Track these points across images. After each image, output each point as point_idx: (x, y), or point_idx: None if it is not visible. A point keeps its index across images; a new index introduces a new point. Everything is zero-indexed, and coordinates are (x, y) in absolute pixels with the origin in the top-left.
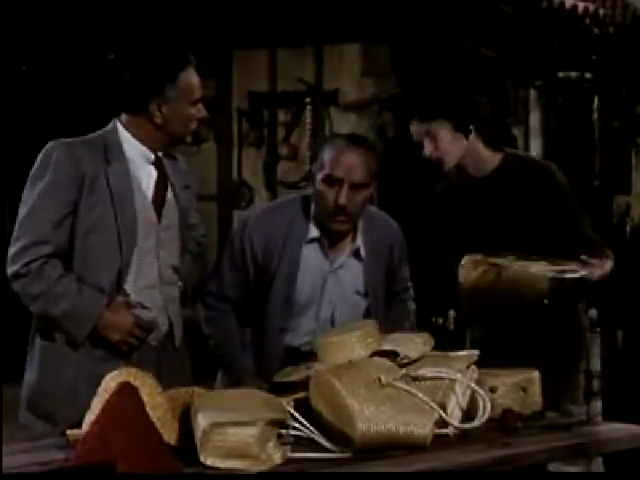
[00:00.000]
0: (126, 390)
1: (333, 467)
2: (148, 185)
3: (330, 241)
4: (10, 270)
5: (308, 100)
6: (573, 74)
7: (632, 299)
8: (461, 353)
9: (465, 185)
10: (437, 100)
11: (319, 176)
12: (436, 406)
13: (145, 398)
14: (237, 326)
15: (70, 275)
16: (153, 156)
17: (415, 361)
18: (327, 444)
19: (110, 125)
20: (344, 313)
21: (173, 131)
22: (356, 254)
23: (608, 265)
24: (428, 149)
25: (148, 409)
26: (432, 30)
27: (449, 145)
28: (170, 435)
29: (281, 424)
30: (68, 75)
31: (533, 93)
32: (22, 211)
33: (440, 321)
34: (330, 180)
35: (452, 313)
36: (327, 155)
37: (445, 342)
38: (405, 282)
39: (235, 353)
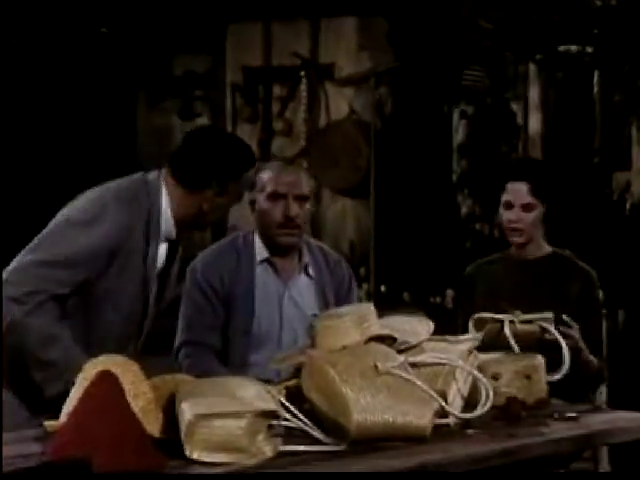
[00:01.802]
0: (106, 379)
1: (327, 460)
2: (161, 262)
3: (280, 257)
4: (10, 293)
5: (303, 74)
6: (573, 48)
7: (633, 277)
8: (462, 338)
9: (514, 261)
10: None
11: (261, 196)
12: (436, 395)
13: (127, 387)
14: (220, 365)
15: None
16: (175, 235)
17: (414, 347)
18: (320, 436)
19: (153, 182)
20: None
21: (206, 220)
22: (306, 271)
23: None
24: (515, 215)
25: (130, 398)
26: (429, 2)
27: (534, 225)
28: (153, 426)
29: (272, 415)
30: (59, 49)
31: (532, 68)
32: (51, 246)
33: (438, 300)
34: (275, 196)
35: (450, 292)
36: (266, 175)
37: (443, 321)
38: None
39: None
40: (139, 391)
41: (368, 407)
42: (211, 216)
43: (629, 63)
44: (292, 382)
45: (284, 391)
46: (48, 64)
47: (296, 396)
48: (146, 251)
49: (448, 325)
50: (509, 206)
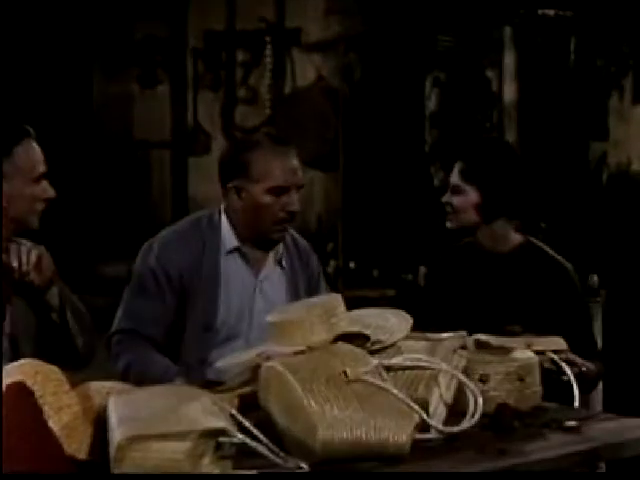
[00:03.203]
0: (19, 391)
1: None
2: None
3: (252, 246)
4: None
5: (268, 39)
6: (551, 12)
7: (610, 250)
8: (445, 335)
9: (478, 256)
10: (476, 168)
11: (258, 188)
12: (417, 406)
13: (48, 399)
14: (159, 354)
15: None
16: None
17: (389, 346)
18: (279, 460)
19: None
20: None
21: (15, 214)
22: (279, 261)
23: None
24: (448, 199)
25: (52, 413)
26: None
27: (464, 211)
28: (80, 446)
29: (221, 432)
30: (11, 14)
31: (508, 34)
32: None
33: (410, 277)
34: (279, 190)
35: (422, 269)
36: (262, 164)
37: (416, 300)
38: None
39: (162, 363)
40: (63, 404)
41: (336, 422)
42: (15, 211)
43: (612, 26)
44: (247, 389)
45: (237, 400)
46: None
47: (252, 406)
48: None
49: (421, 305)
50: (448, 187)
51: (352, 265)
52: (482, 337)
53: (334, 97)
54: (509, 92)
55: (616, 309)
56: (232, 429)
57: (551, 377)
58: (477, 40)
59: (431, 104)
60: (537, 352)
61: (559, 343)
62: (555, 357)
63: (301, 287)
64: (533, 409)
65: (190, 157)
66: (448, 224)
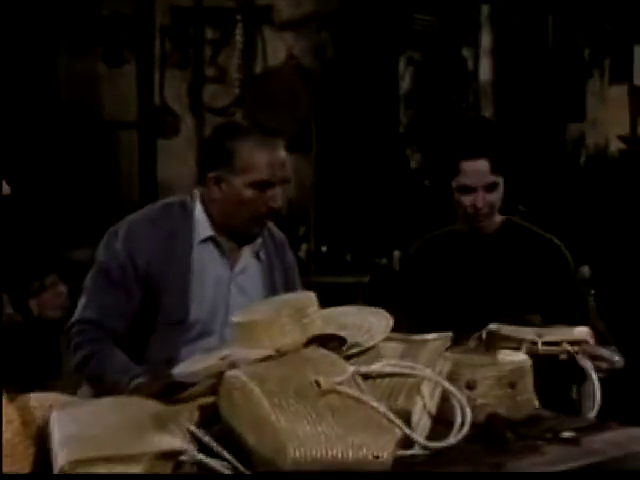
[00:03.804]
0: None
1: None
2: None
3: (228, 236)
4: None
5: (238, 17)
6: None
7: (590, 234)
8: (429, 337)
9: (461, 239)
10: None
11: (240, 180)
12: (398, 420)
13: None
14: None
15: None
16: None
17: (367, 349)
18: None
19: None
20: None
21: None
22: (257, 255)
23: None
24: (486, 199)
25: None
26: None
27: (497, 204)
28: (23, 464)
29: (178, 453)
30: None
31: (485, 12)
32: None
33: (384, 261)
34: (264, 185)
35: (397, 253)
36: (248, 156)
37: (389, 284)
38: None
39: (124, 360)
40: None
41: (308, 439)
42: None
43: (593, 7)
44: (210, 399)
45: (197, 413)
46: None
47: (215, 418)
48: None
49: (398, 291)
50: (468, 190)
51: (324, 249)
52: (493, 327)
53: (306, 76)
54: (485, 71)
55: (609, 300)
56: (191, 448)
57: (567, 372)
58: (453, 18)
59: (405, 84)
60: (551, 343)
61: (579, 333)
62: (570, 349)
63: (278, 281)
64: (526, 418)
65: (159, 139)
66: (482, 225)
